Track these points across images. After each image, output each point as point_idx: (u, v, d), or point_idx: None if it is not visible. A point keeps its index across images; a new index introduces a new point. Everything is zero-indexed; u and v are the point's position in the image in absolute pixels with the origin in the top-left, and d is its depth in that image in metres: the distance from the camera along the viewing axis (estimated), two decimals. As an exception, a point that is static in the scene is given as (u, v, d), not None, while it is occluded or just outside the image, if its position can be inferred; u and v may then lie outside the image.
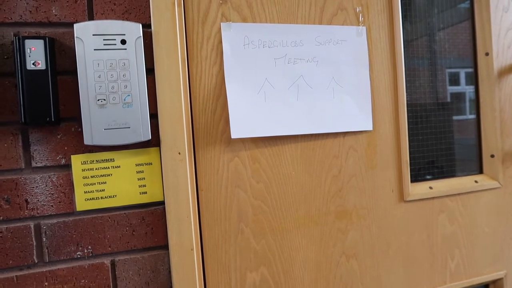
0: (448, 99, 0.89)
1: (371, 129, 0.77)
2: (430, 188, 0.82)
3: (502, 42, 0.86)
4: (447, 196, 0.83)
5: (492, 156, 0.87)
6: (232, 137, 0.67)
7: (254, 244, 0.71)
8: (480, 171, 0.90)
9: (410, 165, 0.81)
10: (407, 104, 0.84)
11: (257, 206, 0.71)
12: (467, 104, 0.91)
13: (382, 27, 0.78)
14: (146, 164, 0.66)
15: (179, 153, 0.65)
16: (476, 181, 0.86)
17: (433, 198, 0.82)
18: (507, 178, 0.88)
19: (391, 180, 0.79)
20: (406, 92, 0.83)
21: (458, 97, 0.90)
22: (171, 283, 0.66)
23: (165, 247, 0.66)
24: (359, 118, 0.76)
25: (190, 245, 0.66)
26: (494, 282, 0.90)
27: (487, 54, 0.86)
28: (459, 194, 0.84)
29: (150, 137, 0.63)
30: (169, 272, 0.67)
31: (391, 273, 0.80)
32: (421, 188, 0.82)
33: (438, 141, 0.88)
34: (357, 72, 0.76)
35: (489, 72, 0.86)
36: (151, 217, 0.66)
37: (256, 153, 0.71)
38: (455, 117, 0.89)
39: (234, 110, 0.68)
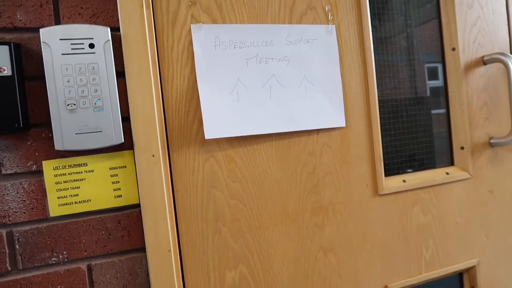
0: (419, 94, 0.92)
1: (344, 125, 0.79)
2: (404, 181, 0.84)
3: (467, 37, 0.89)
4: (420, 188, 0.86)
5: (462, 148, 0.90)
6: (206, 137, 0.67)
7: (232, 243, 0.72)
8: (451, 163, 0.93)
9: (384, 160, 0.83)
10: (380, 100, 0.86)
11: (234, 205, 0.72)
12: (437, 99, 0.93)
13: (351, 25, 0.79)
14: (120, 168, 0.66)
15: (153, 156, 0.65)
16: (447, 173, 0.89)
17: (406, 191, 0.84)
18: (476, 169, 0.91)
19: (365, 175, 0.81)
20: (378, 88, 0.85)
21: (428, 91, 0.93)
22: (149, 285, 0.66)
23: (142, 249, 0.66)
24: (332, 115, 0.78)
25: (167, 246, 0.66)
26: (468, 270, 0.93)
27: (453, 49, 0.89)
28: (431, 186, 0.87)
29: (123, 140, 0.63)
30: (147, 274, 0.67)
31: (368, 265, 0.82)
32: (395, 182, 0.84)
33: (411, 135, 0.90)
34: (328, 70, 0.77)
35: (456, 67, 0.89)
36: (127, 220, 0.66)
37: (231, 153, 0.71)
38: (426, 111, 0.92)
39: (207, 111, 0.68)
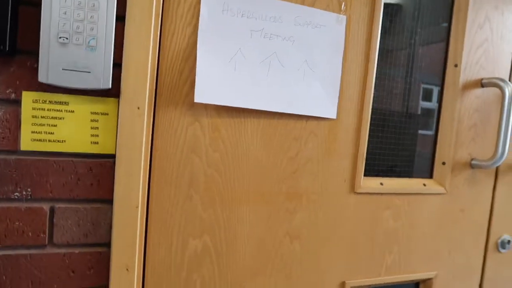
0: (416, 111, 0.92)
1: (335, 117, 0.78)
2: (381, 184, 0.85)
3: (471, 57, 0.89)
4: (395, 194, 0.86)
5: (443, 163, 0.91)
6: (195, 100, 0.66)
7: (201, 212, 0.71)
8: (430, 176, 0.94)
9: (366, 160, 0.84)
10: (376, 107, 0.86)
11: (210, 174, 0.71)
12: (427, 119, 0.94)
13: (362, 20, 0.78)
14: (102, 114, 0.64)
15: (138, 108, 0.63)
16: (424, 184, 0.90)
17: (382, 194, 0.85)
18: (453, 186, 0.92)
19: (345, 170, 0.81)
20: (376, 94, 0.85)
21: (425, 111, 0.94)
22: (110, 238, 0.65)
23: (110, 201, 0.65)
24: (324, 105, 0.77)
25: (135, 202, 0.65)
26: (425, 281, 0.95)
27: (456, 65, 0.89)
28: (407, 194, 0.88)
29: (110, 86, 0.61)
30: (110, 227, 0.65)
31: (331, 259, 0.83)
32: (373, 183, 0.84)
33: (397, 144, 0.91)
34: (330, 59, 0.76)
35: (455, 83, 0.89)
36: (99, 169, 0.64)
37: (217, 121, 0.70)
38: (415, 127, 0.93)
39: (202, 74, 0.67)
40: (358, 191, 0.82)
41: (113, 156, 0.64)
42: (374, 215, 0.85)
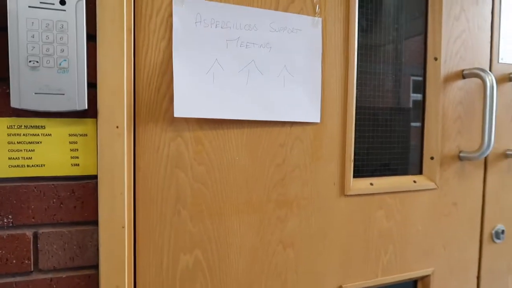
0: (398, 105, 0.92)
1: (319, 121, 0.78)
2: (371, 184, 0.84)
3: (451, 49, 0.89)
4: (386, 193, 0.86)
5: (432, 158, 0.91)
6: (175, 115, 0.65)
7: (190, 227, 0.70)
8: (420, 172, 0.94)
9: (354, 161, 0.83)
10: (359, 105, 0.86)
11: (197, 188, 0.70)
12: (417, 111, 0.94)
13: (338, 20, 0.78)
14: (80, 135, 0.62)
15: (117, 127, 0.62)
16: (414, 181, 0.89)
17: (373, 194, 0.84)
18: (443, 180, 0.92)
19: (333, 174, 0.80)
20: (358, 92, 0.85)
21: (409, 103, 0.93)
22: (98, 260, 0.64)
23: (95, 223, 0.64)
24: (307, 110, 0.76)
25: (121, 222, 0.64)
26: (422, 278, 0.94)
27: (435, 59, 0.89)
28: (398, 192, 0.87)
29: (87, 107, 0.60)
30: (97, 249, 0.64)
31: (326, 264, 0.82)
32: (362, 184, 0.84)
33: (384, 141, 0.90)
34: (310, 63, 0.76)
35: (436, 77, 0.89)
36: (82, 191, 0.63)
37: (200, 134, 0.69)
38: (402, 122, 0.92)
39: (180, 88, 0.66)
40: (348, 193, 0.82)
41: (95, 177, 0.63)
42: (367, 216, 0.84)
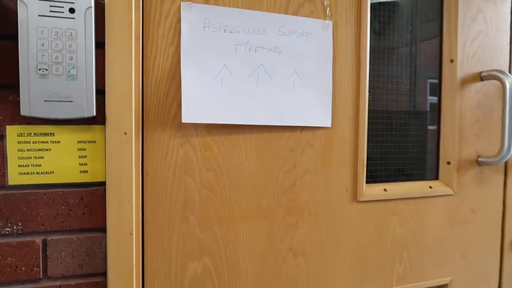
0: (413, 108, 0.89)
1: (330, 125, 0.76)
2: (385, 190, 0.82)
3: (467, 51, 0.86)
4: (401, 199, 0.83)
5: (449, 163, 0.88)
6: (183, 121, 0.65)
7: (199, 234, 0.69)
8: (436, 177, 0.91)
9: (367, 166, 0.81)
10: (372, 109, 0.83)
11: (205, 194, 0.69)
12: (433, 114, 0.91)
13: (349, 23, 0.77)
14: (89, 142, 0.62)
15: (125, 133, 0.62)
16: (430, 187, 0.86)
17: (386, 200, 0.82)
18: (461, 186, 0.89)
19: (346, 179, 0.79)
20: (371, 95, 0.83)
21: (424, 106, 0.91)
22: (106, 267, 0.64)
23: (103, 230, 0.64)
24: (318, 114, 0.75)
25: (129, 229, 0.63)
26: (440, 287, 0.91)
27: (451, 61, 0.86)
28: (413, 198, 0.84)
29: (95, 114, 0.60)
30: (105, 256, 0.64)
31: (338, 272, 0.79)
32: (376, 190, 0.82)
33: (398, 145, 0.88)
34: (320, 67, 0.75)
35: (452, 79, 0.86)
36: (90, 198, 0.63)
37: (209, 140, 0.69)
38: (417, 125, 0.90)
39: (188, 93, 0.65)
40: (361, 199, 0.79)
41: (103, 184, 0.63)
42: (380, 223, 0.82)
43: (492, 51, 0.89)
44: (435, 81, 0.90)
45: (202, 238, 0.69)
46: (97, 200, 0.63)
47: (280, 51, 0.71)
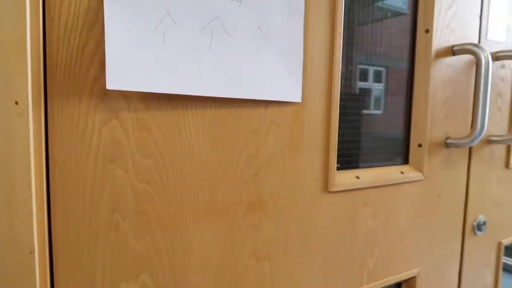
0: (384, 86, 0.79)
1: (300, 101, 0.62)
2: (357, 177, 0.71)
3: (442, 20, 0.78)
4: (372, 187, 0.73)
5: (420, 145, 0.80)
6: (108, 87, 0.45)
7: (134, 243, 0.51)
8: (406, 161, 0.82)
9: (338, 150, 0.69)
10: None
11: (142, 190, 0.51)
12: (403, 91, 0.82)
13: (323, -26, 0.62)
14: (-46, 116, 0.40)
15: (17, 103, 0.41)
16: (402, 172, 0.77)
17: (359, 189, 0.71)
18: (430, 169, 0.82)
19: (315, 166, 0.65)
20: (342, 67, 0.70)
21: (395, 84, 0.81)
22: (-11, 305, 0.43)
23: (-16, 249, 0.42)
24: (287, 86, 0.60)
25: (28, 246, 0.43)
26: (407, 281, 0.84)
27: (427, 31, 0.77)
28: (384, 185, 0.75)
29: (-38, 72, 0.38)
30: (-10, 287, 0.43)
31: (308, 274, 0.67)
32: (347, 177, 0.70)
33: (366, 125, 0.77)
34: (290, 25, 0.59)
35: (427, 52, 0.77)
36: (-41, 202, 0.41)
37: (145, 116, 0.50)
38: (390, 106, 0.80)
39: (115, 48, 0.45)
40: (332, 189, 0.67)
41: (-19, 181, 0.42)
42: (352, 215, 0.71)
43: (464, 23, 0.82)
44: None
45: (138, 249, 0.51)
46: (-28, 206, 0.41)
47: (241, 1, 0.54)
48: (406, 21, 0.80)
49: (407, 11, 0.79)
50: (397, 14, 0.79)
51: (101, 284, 0.49)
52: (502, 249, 1.00)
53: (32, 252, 0.43)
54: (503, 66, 0.91)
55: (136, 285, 0.51)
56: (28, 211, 0.43)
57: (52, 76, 0.45)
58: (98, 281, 0.49)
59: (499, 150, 0.95)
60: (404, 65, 0.80)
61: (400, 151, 0.82)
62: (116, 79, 0.46)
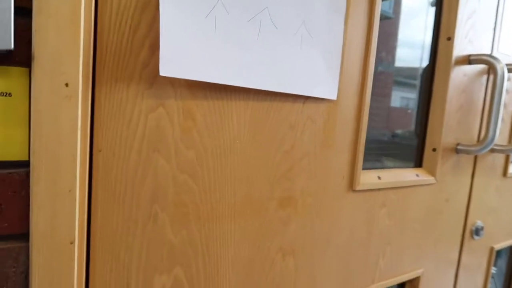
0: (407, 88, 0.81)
1: (335, 98, 0.62)
2: (379, 178, 0.72)
3: (462, 30, 0.80)
4: (391, 188, 0.74)
5: (434, 149, 0.82)
6: (161, 73, 0.43)
7: (171, 236, 0.49)
8: (420, 164, 0.84)
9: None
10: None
11: (183, 182, 0.49)
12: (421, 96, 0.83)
13: (364, -26, 0.62)
14: (0, 95, 0.37)
15: (67, 85, 0.39)
16: (417, 175, 0.79)
17: (379, 189, 0.72)
18: (442, 174, 0.84)
19: (343, 165, 0.66)
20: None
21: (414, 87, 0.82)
22: (27, 296, 0.40)
23: (23, 237, 0.40)
24: (324, 82, 0.60)
25: (69, 235, 0.41)
26: (411, 281, 0.87)
27: (448, 38, 0.79)
28: (401, 187, 0.76)
29: (13, 47, 0.35)
30: (26, 277, 0.40)
31: (327, 272, 0.68)
32: (371, 177, 0.71)
33: (391, 126, 0.78)
34: (331, 22, 0.59)
35: (447, 59, 0.79)
36: (1, 187, 0.38)
37: (191, 105, 0.48)
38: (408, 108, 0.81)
39: (169, 34, 0.43)
40: (357, 188, 0.68)
41: (25, 165, 0.39)
42: (371, 215, 0.72)
43: (480, 33, 0.85)
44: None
45: (174, 242, 0.50)
46: (13, 191, 0.39)
47: (289, -7, 0.53)
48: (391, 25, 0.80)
49: (392, 16, 0.80)
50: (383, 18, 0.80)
51: (135, 276, 0.48)
52: (494, 254, 1.05)
53: (72, 242, 0.41)
54: (508, 79, 0.95)
55: (169, 278, 0.50)
56: (72, 201, 0.40)
57: (101, 58, 0.42)
58: (133, 273, 0.47)
59: (499, 159, 0.99)
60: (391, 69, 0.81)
61: (413, 155, 0.84)
62: (169, 66, 0.44)
